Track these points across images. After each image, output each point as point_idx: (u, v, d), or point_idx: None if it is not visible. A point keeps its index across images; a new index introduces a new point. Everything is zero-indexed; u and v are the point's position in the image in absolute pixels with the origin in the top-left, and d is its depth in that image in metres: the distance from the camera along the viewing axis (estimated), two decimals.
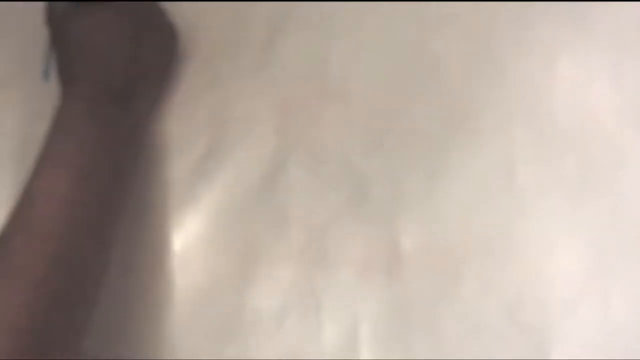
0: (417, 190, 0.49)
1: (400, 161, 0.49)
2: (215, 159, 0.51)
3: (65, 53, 0.48)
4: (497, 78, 0.49)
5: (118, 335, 0.49)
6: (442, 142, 0.49)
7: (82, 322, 0.42)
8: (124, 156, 0.47)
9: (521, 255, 0.47)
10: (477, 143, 0.49)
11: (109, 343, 0.49)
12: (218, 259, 0.49)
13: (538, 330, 0.45)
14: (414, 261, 0.47)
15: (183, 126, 0.52)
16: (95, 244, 0.43)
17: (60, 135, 0.44)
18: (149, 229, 0.51)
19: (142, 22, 0.49)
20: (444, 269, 0.47)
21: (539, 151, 0.48)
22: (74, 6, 0.47)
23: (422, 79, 0.50)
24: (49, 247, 0.41)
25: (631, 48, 0.48)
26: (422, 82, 0.50)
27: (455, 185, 0.48)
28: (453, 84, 0.50)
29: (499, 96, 0.49)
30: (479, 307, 0.46)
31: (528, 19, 0.50)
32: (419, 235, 0.48)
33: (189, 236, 0.50)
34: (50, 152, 0.44)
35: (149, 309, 0.48)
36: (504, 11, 0.50)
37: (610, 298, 0.45)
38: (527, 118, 0.48)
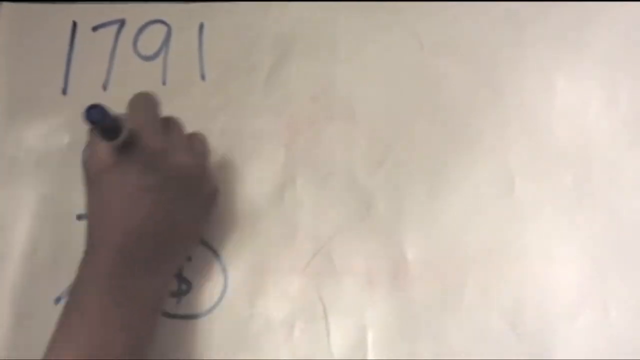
0: (419, 204, 0.50)
1: (402, 176, 0.50)
2: (227, 174, 0.51)
3: (93, 208, 0.44)
4: (496, 98, 0.51)
5: None
6: (443, 158, 0.50)
7: None
8: (143, 329, 0.43)
9: (521, 265, 0.48)
10: (477, 159, 0.50)
11: None
12: (228, 270, 0.50)
13: (539, 338, 0.46)
14: (417, 271, 0.48)
15: None
16: None
17: (74, 313, 0.41)
18: None
19: (183, 188, 0.44)
20: (446, 278, 0.48)
21: (537, 166, 0.49)
22: (111, 151, 0.42)
23: (423, 99, 0.52)
24: None
25: (626, 67, 0.50)
26: (423, 102, 0.51)
27: (456, 199, 0.49)
28: (453, 103, 0.51)
29: (498, 115, 0.50)
30: (481, 316, 0.47)
31: (525, 41, 0.51)
32: (422, 246, 0.49)
33: (200, 247, 0.50)
34: (62, 330, 0.40)
35: (161, 320, 0.48)
36: (502, 33, 0.51)
37: (608, 306, 0.46)
38: (525, 135, 0.50)
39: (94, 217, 0.43)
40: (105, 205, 0.43)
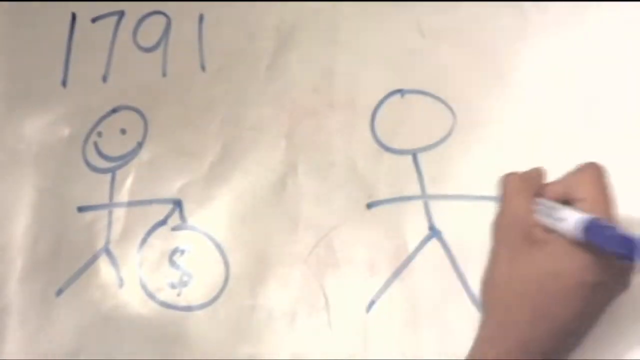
0: (420, 192, 0.49)
1: (403, 165, 0.50)
2: (228, 164, 0.52)
3: (518, 281, 0.37)
4: (497, 85, 0.50)
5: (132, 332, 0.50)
6: (445, 147, 0.50)
7: None
8: None
9: None
10: (480, 147, 0.49)
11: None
12: (230, 260, 0.50)
13: None
14: (419, 261, 0.48)
15: (199, 133, 0.52)
16: None
17: None
18: None
19: (615, 293, 0.37)
20: (449, 268, 0.47)
21: (540, 155, 0.48)
22: None
23: (424, 88, 0.51)
24: None
25: (629, 55, 0.49)
26: (424, 91, 0.51)
27: (458, 187, 0.49)
28: (454, 91, 0.51)
29: (499, 102, 0.50)
30: None
31: (527, 30, 0.50)
32: (424, 235, 0.48)
33: (201, 238, 0.51)
34: None
35: (162, 311, 0.49)
36: (503, 20, 0.51)
37: None
38: (528, 123, 0.49)
39: (506, 291, 0.37)
40: (533, 286, 0.36)
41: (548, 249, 0.36)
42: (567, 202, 0.38)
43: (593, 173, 0.38)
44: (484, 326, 0.39)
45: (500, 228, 0.39)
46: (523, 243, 0.37)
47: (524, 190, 0.37)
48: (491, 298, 0.39)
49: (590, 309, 0.36)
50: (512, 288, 0.37)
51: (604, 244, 0.33)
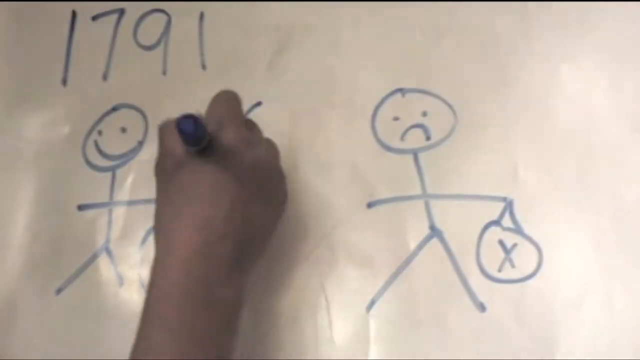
0: (421, 192, 0.49)
1: (404, 165, 0.50)
2: None
3: (165, 208, 0.41)
4: (499, 85, 0.50)
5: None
6: (446, 146, 0.50)
7: None
8: (226, 338, 0.40)
9: (525, 254, 0.47)
10: (481, 147, 0.49)
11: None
12: None
13: (543, 330, 0.46)
14: (420, 261, 0.48)
15: None
16: None
17: (155, 324, 0.38)
18: None
19: (261, 186, 0.42)
20: (449, 268, 0.48)
21: (540, 154, 0.49)
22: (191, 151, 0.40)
23: (425, 87, 0.51)
24: None
25: (630, 54, 0.49)
26: (426, 90, 0.51)
27: (458, 187, 0.49)
28: (455, 91, 0.51)
29: (501, 102, 0.50)
30: (484, 305, 0.47)
31: (529, 29, 0.50)
32: (424, 235, 0.48)
33: None
34: (143, 344, 0.38)
35: None
36: (505, 19, 0.51)
37: (613, 297, 0.45)
38: (529, 123, 0.49)
39: (167, 218, 0.41)
40: (181, 205, 0.40)
41: (185, 169, 0.40)
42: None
43: (218, 97, 0.44)
44: (156, 275, 0.40)
45: (158, 167, 0.42)
46: (170, 172, 0.41)
47: (175, 130, 0.40)
48: (158, 239, 0.41)
49: (235, 204, 0.40)
50: (169, 217, 0.41)
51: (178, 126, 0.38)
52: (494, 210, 0.48)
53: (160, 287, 0.39)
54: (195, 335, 0.38)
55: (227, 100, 0.45)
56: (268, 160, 0.44)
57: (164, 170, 0.42)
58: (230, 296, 0.40)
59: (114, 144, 0.53)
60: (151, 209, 0.51)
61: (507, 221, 0.48)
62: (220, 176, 0.40)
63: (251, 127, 0.46)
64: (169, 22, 0.55)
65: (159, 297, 0.39)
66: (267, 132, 0.45)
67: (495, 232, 0.48)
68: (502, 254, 0.47)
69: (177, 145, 0.40)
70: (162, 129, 0.42)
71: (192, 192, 0.40)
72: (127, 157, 0.53)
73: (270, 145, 0.46)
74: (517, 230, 0.48)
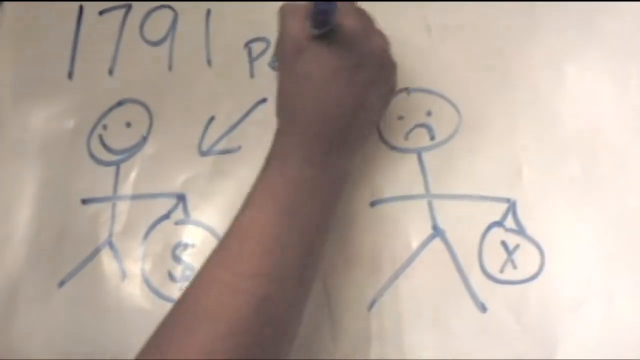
0: (424, 192, 0.49)
1: (407, 164, 0.50)
2: (231, 159, 0.52)
3: (285, 89, 0.44)
4: (505, 85, 0.50)
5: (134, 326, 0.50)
6: (450, 146, 0.50)
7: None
8: (331, 201, 0.44)
9: (527, 256, 0.47)
10: (485, 148, 0.49)
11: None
12: None
13: (544, 330, 0.46)
14: (422, 261, 0.48)
15: (203, 129, 0.52)
16: (297, 284, 0.42)
17: (271, 172, 0.43)
18: None
19: (375, 72, 0.44)
20: (451, 268, 0.48)
21: (545, 155, 0.49)
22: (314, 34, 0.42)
23: (430, 87, 0.51)
24: (255, 287, 0.39)
25: (636, 55, 0.49)
26: (431, 89, 0.51)
27: (462, 187, 0.49)
28: (460, 90, 0.51)
29: (506, 102, 0.50)
30: (485, 305, 0.47)
31: (535, 29, 0.51)
32: (427, 234, 0.48)
33: (203, 233, 0.51)
34: (259, 188, 0.43)
35: (162, 304, 0.48)
36: (511, 19, 0.51)
37: (614, 298, 0.46)
38: (534, 123, 0.49)
39: (290, 95, 0.44)
40: (299, 86, 0.43)
41: (307, 52, 0.42)
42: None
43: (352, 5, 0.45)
44: (279, 139, 0.44)
45: (279, 47, 0.44)
46: (292, 54, 0.43)
47: (296, 13, 0.43)
48: (281, 112, 0.45)
49: (351, 88, 0.43)
50: (292, 95, 0.44)
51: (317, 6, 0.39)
52: (497, 211, 0.48)
53: (282, 145, 0.43)
54: (306, 188, 0.42)
55: None
56: (383, 48, 0.45)
57: (284, 51, 0.44)
58: (341, 165, 0.44)
59: (119, 139, 0.53)
60: (154, 203, 0.52)
61: (509, 222, 0.48)
62: (340, 62, 0.42)
63: (366, 14, 0.46)
64: (175, 18, 0.55)
65: (279, 153, 0.43)
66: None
67: (497, 233, 0.48)
68: (504, 255, 0.48)
69: (298, 27, 0.42)
70: (284, 10, 0.44)
71: (313, 76, 0.42)
72: (131, 151, 0.53)
73: (383, 35, 0.47)
74: (520, 231, 0.48)
